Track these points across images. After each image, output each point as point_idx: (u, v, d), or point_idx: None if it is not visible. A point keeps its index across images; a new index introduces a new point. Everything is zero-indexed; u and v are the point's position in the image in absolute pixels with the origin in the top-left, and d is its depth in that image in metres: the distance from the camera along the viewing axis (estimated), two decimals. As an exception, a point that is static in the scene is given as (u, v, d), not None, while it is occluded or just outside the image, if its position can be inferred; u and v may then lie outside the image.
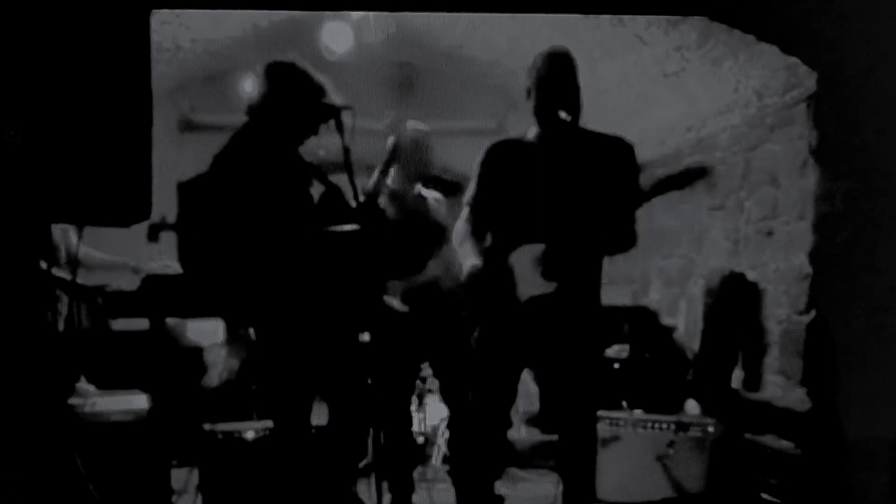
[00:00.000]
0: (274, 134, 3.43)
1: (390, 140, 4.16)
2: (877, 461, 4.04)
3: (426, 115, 4.57)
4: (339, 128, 3.30)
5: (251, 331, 3.80)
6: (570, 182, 3.37)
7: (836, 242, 4.40)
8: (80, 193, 1.98)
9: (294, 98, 3.40)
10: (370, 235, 3.33)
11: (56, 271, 3.57)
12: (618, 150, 3.45)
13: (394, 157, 4.13)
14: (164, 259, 4.07)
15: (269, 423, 3.84)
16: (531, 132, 3.49)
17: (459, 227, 3.65)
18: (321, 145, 3.57)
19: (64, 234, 4.16)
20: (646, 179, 3.40)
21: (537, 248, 3.34)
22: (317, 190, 3.55)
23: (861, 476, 4.07)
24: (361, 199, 3.38)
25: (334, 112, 3.31)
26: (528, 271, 3.36)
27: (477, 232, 3.58)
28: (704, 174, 3.35)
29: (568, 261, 3.33)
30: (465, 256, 3.53)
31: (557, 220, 3.34)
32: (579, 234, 3.33)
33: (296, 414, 3.44)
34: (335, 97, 3.41)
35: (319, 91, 3.42)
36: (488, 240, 3.59)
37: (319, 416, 3.54)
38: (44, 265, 2.96)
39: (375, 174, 4.07)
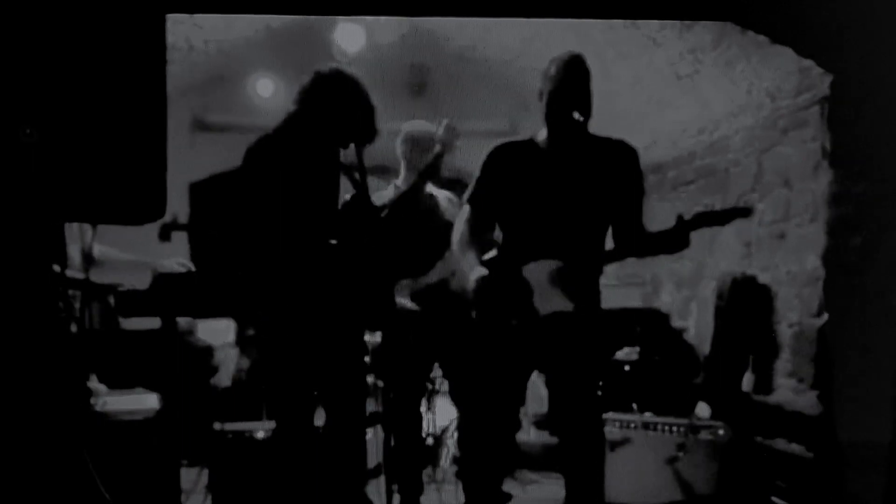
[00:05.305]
0: (313, 135, 3.45)
1: (435, 150, 4.03)
2: (873, 464, 4.02)
3: (439, 116, 4.56)
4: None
5: (259, 329, 3.80)
6: (580, 186, 3.37)
7: (849, 245, 4.38)
8: (94, 192, 1.99)
9: (346, 111, 3.45)
10: (386, 239, 3.35)
11: (69, 272, 3.58)
12: (624, 155, 3.44)
13: (434, 168, 4.02)
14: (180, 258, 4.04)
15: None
16: (541, 135, 3.48)
17: (459, 228, 3.62)
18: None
19: (79, 232, 4.17)
20: (690, 211, 3.36)
21: (552, 265, 3.33)
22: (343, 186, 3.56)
23: (857, 478, 4.05)
24: (388, 208, 3.37)
25: (368, 133, 3.36)
26: (544, 288, 3.35)
27: (476, 232, 3.56)
28: (749, 213, 3.36)
29: (586, 277, 3.35)
30: (468, 262, 3.47)
31: (568, 226, 3.34)
32: (594, 248, 3.36)
33: (299, 414, 3.44)
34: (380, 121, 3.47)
35: (371, 111, 3.48)
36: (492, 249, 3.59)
37: (321, 416, 3.55)
38: (57, 266, 2.97)
39: (411, 183, 4.03)
